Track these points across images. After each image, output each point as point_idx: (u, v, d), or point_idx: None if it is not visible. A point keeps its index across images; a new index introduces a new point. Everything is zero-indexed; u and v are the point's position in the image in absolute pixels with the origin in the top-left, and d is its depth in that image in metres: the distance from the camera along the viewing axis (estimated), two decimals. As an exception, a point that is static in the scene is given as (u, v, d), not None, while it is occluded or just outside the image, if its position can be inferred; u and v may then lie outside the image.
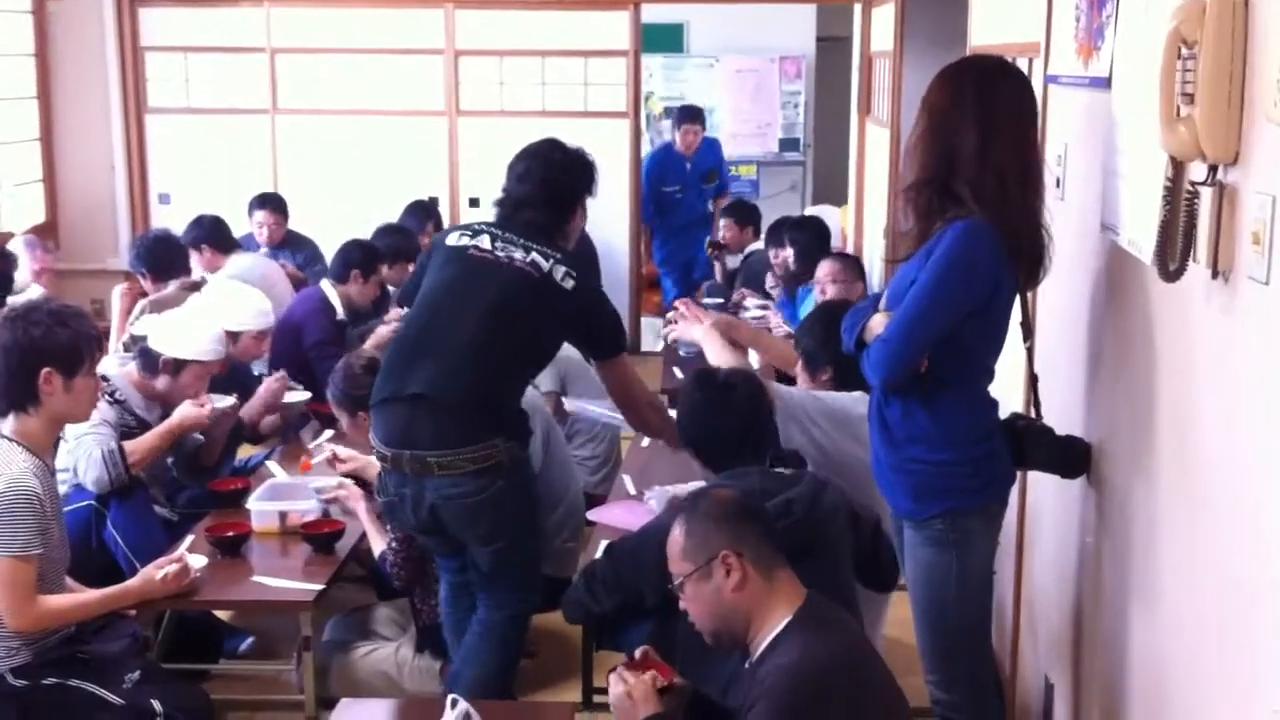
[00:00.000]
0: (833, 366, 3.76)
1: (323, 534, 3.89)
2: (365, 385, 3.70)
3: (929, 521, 2.82)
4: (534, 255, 3.43)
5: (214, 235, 6.45)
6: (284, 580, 3.66)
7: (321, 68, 8.06)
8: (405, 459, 3.30)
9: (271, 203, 7.06)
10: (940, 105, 2.73)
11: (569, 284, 3.43)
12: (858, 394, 3.44)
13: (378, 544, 3.78)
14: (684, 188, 8.69)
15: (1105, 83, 2.80)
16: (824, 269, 5.61)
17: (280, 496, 4.09)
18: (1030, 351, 2.95)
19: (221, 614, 4.12)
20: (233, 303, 4.85)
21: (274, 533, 3.97)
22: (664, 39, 10.40)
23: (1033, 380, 2.99)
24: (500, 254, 3.42)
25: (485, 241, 3.46)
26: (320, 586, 3.63)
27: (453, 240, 3.51)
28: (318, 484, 4.07)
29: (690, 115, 8.75)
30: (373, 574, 4.25)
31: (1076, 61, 3.08)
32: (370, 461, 3.71)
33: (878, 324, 2.77)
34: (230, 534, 3.84)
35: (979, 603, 2.88)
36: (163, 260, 5.77)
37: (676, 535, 2.57)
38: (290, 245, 7.07)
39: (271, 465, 4.53)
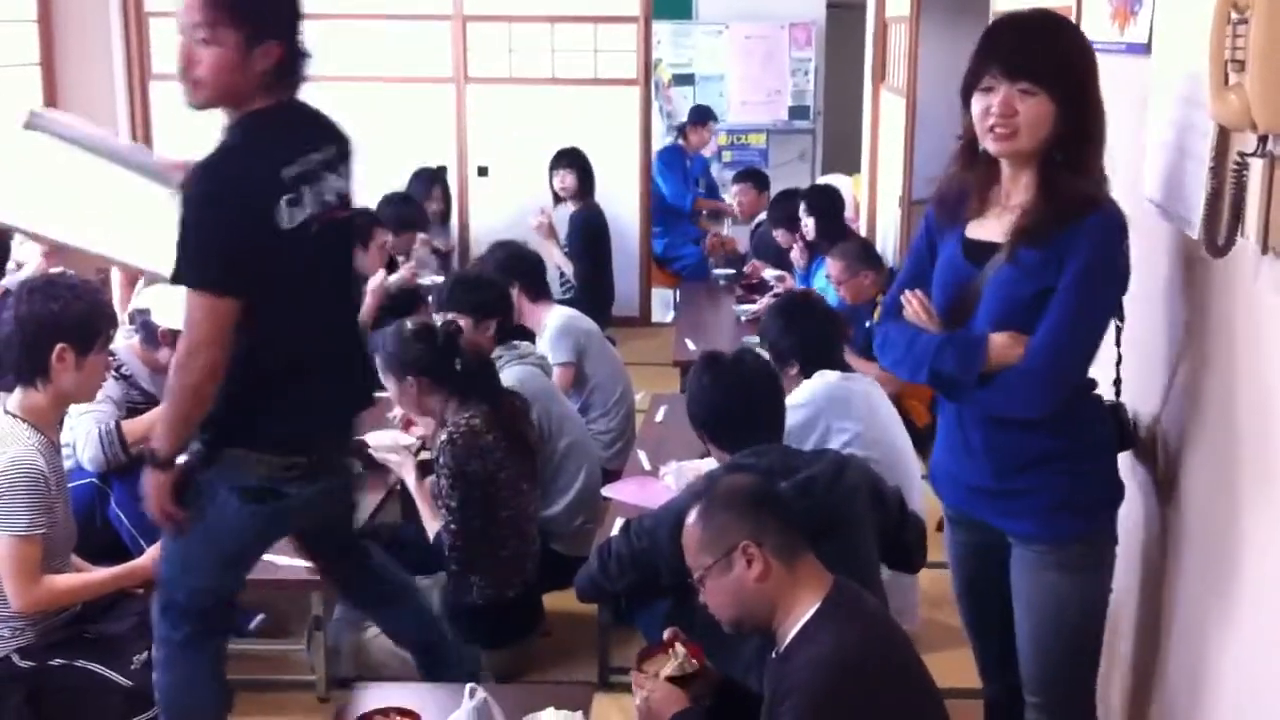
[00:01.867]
0: (799, 360, 3.84)
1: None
2: (414, 350, 3.70)
3: (1063, 545, 2.53)
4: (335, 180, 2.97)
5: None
6: (288, 558, 3.59)
7: (327, 34, 7.93)
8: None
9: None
10: (1082, 64, 2.38)
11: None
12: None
13: (431, 523, 3.73)
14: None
15: (1144, 48, 2.71)
16: (830, 268, 5.53)
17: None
18: (1119, 330, 2.62)
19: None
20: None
21: (283, 508, 3.89)
22: (673, 5, 10.28)
23: (1118, 359, 2.70)
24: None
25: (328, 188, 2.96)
26: (329, 565, 3.56)
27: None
28: (375, 441, 4.01)
29: (707, 116, 8.94)
30: (388, 552, 4.20)
31: (1112, 27, 2.99)
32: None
33: (1005, 349, 2.40)
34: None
35: (1100, 626, 2.64)
36: None
37: (693, 527, 2.49)
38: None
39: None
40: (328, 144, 2.91)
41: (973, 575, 2.75)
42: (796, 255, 6.64)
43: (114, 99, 7.88)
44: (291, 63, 2.80)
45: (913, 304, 2.56)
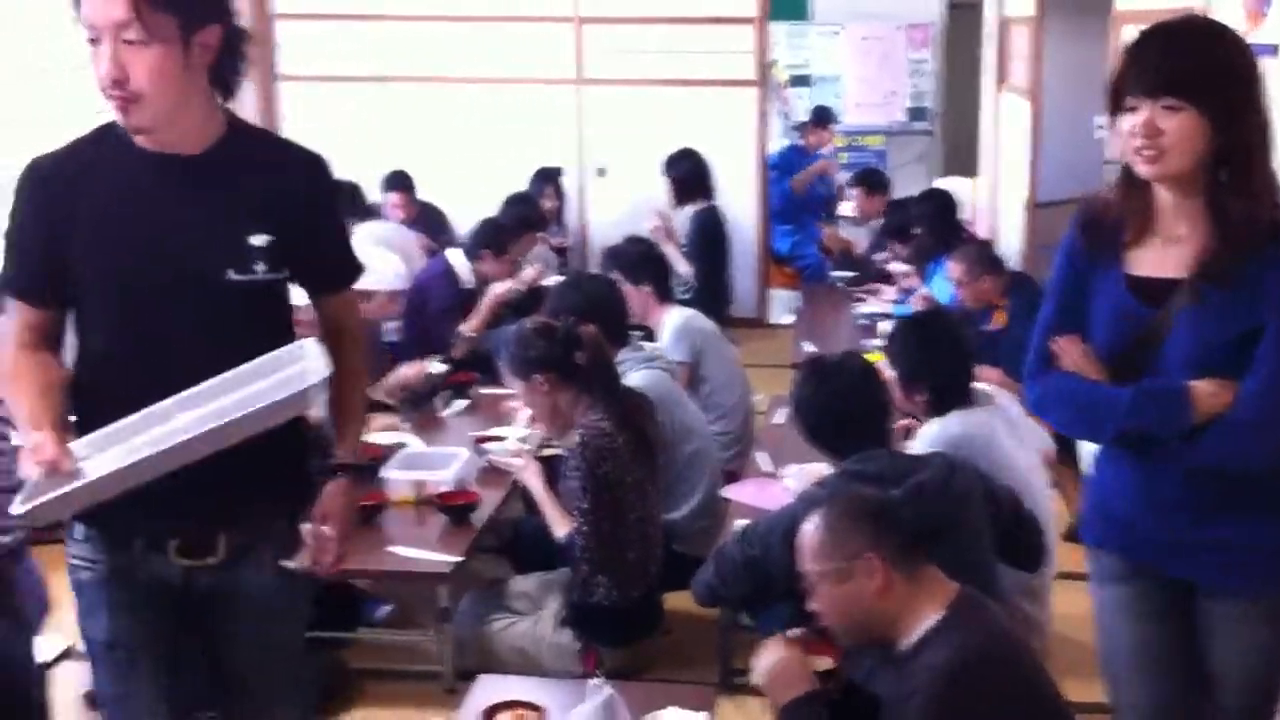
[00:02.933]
0: (929, 387, 3.59)
1: (458, 505, 3.90)
2: (538, 347, 3.74)
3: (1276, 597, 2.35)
4: None
5: (349, 201, 6.53)
6: (420, 551, 3.68)
7: (449, 36, 8.07)
8: None
9: (400, 183, 7.13)
10: (1235, 72, 2.20)
11: None
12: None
13: (560, 525, 3.76)
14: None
15: (1272, 50, 2.65)
16: (951, 270, 5.47)
17: (416, 466, 4.11)
18: None
19: (359, 581, 4.15)
20: (366, 262, 4.87)
21: (409, 502, 3.98)
22: (789, 6, 10.24)
23: None
24: None
25: None
26: (458, 558, 3.64)
27: None
28: (498, 448, 4.08)
29: (827, 117, 9.12)
30: (508, 547, 4.28)
31: (1243, 26, 2.93)
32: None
33: (1211, 398, 2.21)
34: (367, 502, 3.86)
35: None
36: None
37: (812, 532, 2.50)
38: (420, 220, 7.14)
39: (406, 435, 4.54)
40: None
41: (1148, 639, 2.44)
42: (899, 268, 6.61)
43: (242, 100, 8.05)
44: (233, 50, 2.26)
45: (1071, 353, 2.34)
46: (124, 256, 2.20)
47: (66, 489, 2.00)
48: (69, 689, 3.49)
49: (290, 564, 2.33)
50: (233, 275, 2.21)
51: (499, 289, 5.62)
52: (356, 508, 2.49)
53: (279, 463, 2.32)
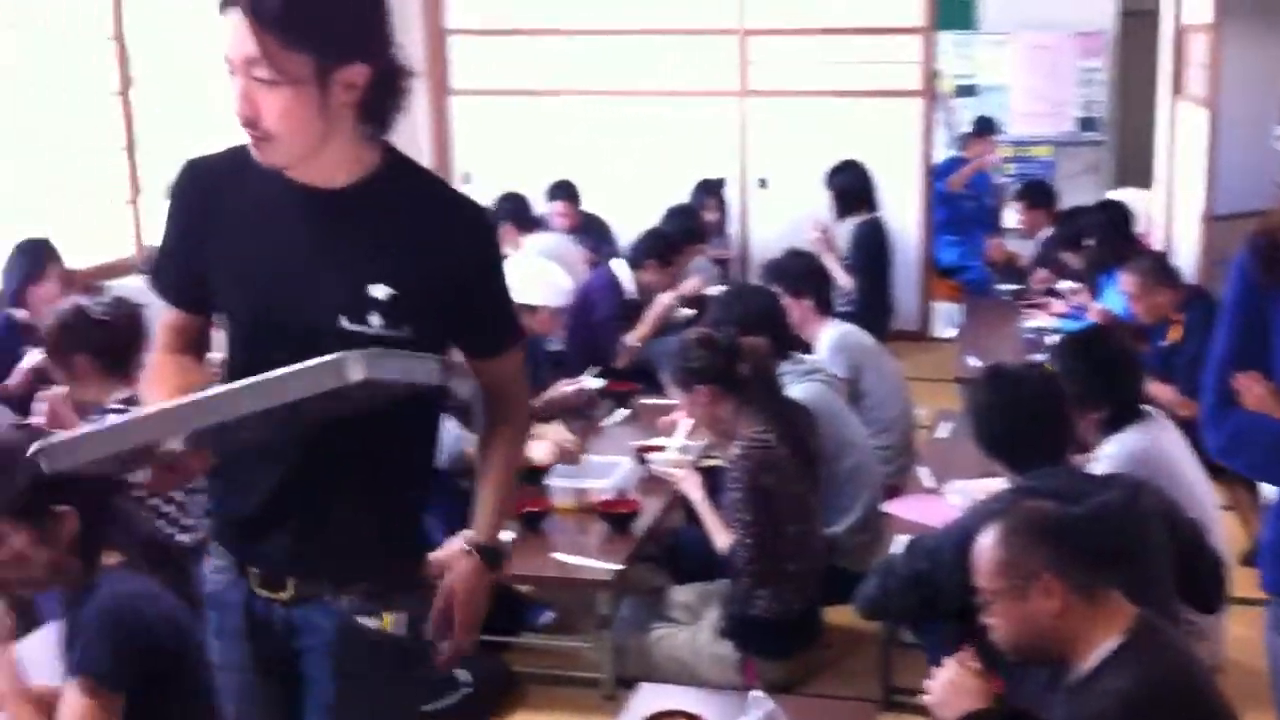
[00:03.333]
0: (1108, 404, 3.48)
1: (620, 514, 3.93)
2: (700, 358, 3.75)
3: None
4: None
5: (516, 213, 6.66)
6: (582, 558, 3.72)
7: (614, 49, 8.16)
8: None
9: (565, 192, 7.24)
10: None
11: None
12: None
13: (720, 537, 3.77)
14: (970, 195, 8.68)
15: None
16: (1125, 283, 5.32)
17: (578, 474, 4.16)
18: None
19: (522, 586, 4.22)
20: (531, 277, 4.96)
21: (572, 509, 4.04)
22: (956, 15, 10.08)
23: None
24: None
25: None
26: (619, 566, 3.68)
27: None
28: (659, 458, 4.12)
29: (990, 127, 9.03)
30: (668, 556, 4.30)
31: None
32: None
33: None
34: (532, 509, 3.93)
35: None
36: None
37: (989, 547, 2.45)
38: (584, 229, 7.23)
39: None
40: None
41: None
42: (1065, 285, 6.45)
43: (415, 113, 8.28)
44: (387, 87, 2.02)
45: (1253, 390, 2.15)
46: (247, 280, 2.07)
47: (82, 431, 1.96)
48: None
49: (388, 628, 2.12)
50: (345, 324, 1.99)
51: (666, 299, 5.68)
52: (486, 593, 2.20)
53: (374, 523, 2.11)
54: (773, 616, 3.71)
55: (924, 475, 4.22)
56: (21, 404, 4.59)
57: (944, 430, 4.65)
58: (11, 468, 2.29)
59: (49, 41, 5.77)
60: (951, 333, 7.60)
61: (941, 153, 8.91)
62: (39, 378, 4.39)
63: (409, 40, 7.97)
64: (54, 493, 2.31)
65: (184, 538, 3.61)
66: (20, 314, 4.96)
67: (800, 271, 5.01)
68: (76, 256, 5.59)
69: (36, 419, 4.09)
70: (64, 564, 2.35)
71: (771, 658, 3.74)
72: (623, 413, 5.01)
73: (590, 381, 5.01)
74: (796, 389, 4.17)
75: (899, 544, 3.39)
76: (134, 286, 5.66)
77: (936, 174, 8.31)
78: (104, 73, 6.21)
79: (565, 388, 4.87)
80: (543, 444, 4.13)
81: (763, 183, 8.11)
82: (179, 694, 2.31)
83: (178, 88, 6.69)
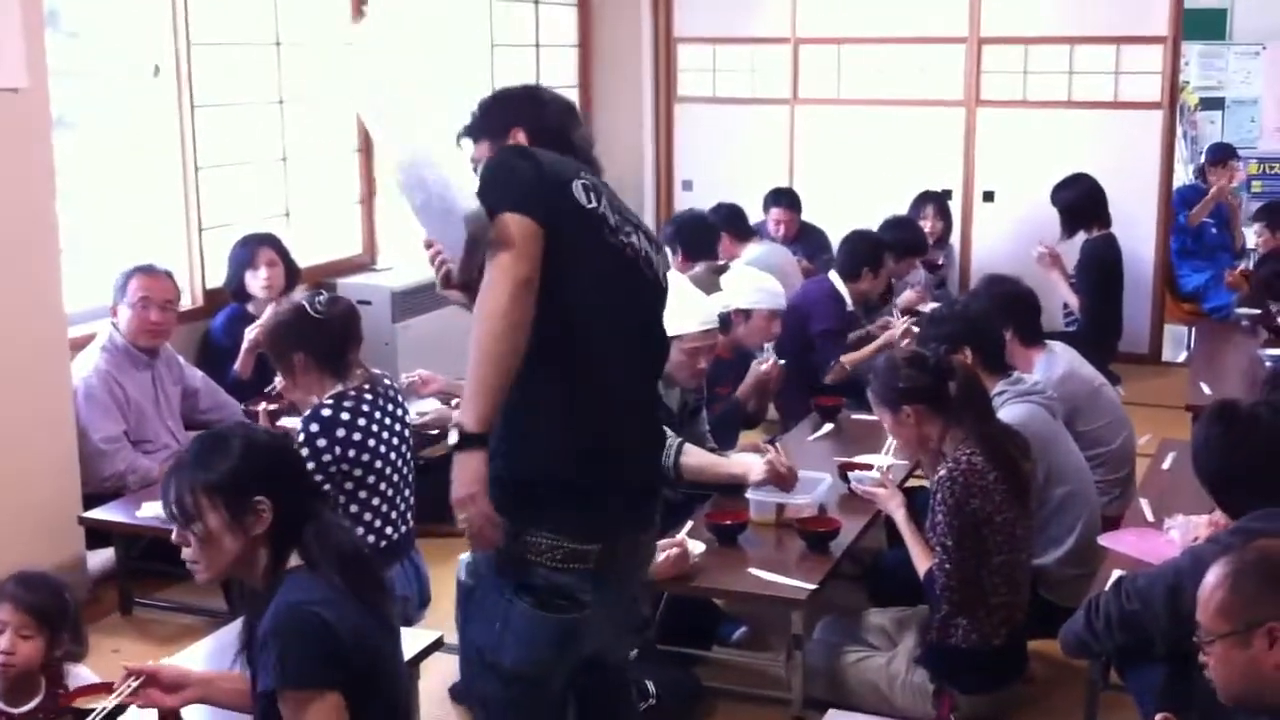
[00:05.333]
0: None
1: (819, 531, 3.86)
2: (907, 376, 3.66)
3: None
4: (642, 243, 2.58)
5: (733, 223, 6.65)
6: (778, 575, 3.66)
7: (842, 58, 8.06)
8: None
9: (785, 199, 7.19)
10: None
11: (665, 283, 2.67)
12: None
13: (922, 561, 3.67)
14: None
15: None
16: None
17: (779, 489, 4.10)
18: None
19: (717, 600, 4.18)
20: (745, 282, 4.94)
21: (770, 524, 3.98)
22: (1206, 24, 9.64)
23: None
24: (628, 244, 2.54)
25: (609, 213, 2.50)
26: (814, 586, 3.60)
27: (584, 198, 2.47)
28: (862, 476, 4.05)
29: (1228, 154, 8.54)
30: (867, 577, 4.21)
31: None
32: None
33: None
34: (729, 522, 3.89)
35: None
36: (695, 241, 5.97)
37: (1214, 586, 2.32)
38: (802, 238, 7.17)
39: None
40: (638, 224, 2.66)
41: None
42: None
43: (641, 120, 8.34)
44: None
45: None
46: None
47: None
48: (438, 680, 3.68)
49: None
50: None
51: (896, 330, 5.61)
52: (460, 471, 2.29)
53: None
54: (973, 648, 3.58)
55: (1145, 507, 4.01)
56: (248, 388, 4.85)
57: (1169, 461, 4.42)
58: (224, 450, 2.39)
59: (295, 50, 6.03)
60: (1182, 356, 7.23)
61: (1181, 170, 8.50)
62: (262, 359, 4.62)
63: (639, 48, 8.13)
64: (256, 484, 2.38)
65: (389, 531, 3.73)
66: (250, 306, 5.20)
67: (1003, 299, 4.68)
68: (309, 253, 5.82)
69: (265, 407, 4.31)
70: (251, 556, 2.40)
71: (970, 691, 3.61)
72: (828, 427, 4.93)
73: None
74: (1010, 410, 4.01)
75: (1114, 579, 3.24)
76: (361, 284, 5.88)
77: (1176, 201, 7.91)
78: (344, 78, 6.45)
79: (763, 367, 4.86)
80: (756, 463, 4.04)
81: (988, 195, 7.89)
82: (360, 698, 2.32)
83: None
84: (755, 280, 4.99)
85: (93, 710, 2.53)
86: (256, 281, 5.14)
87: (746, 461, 4.08)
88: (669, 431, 3.84)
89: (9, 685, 2.84)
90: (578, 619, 2.47)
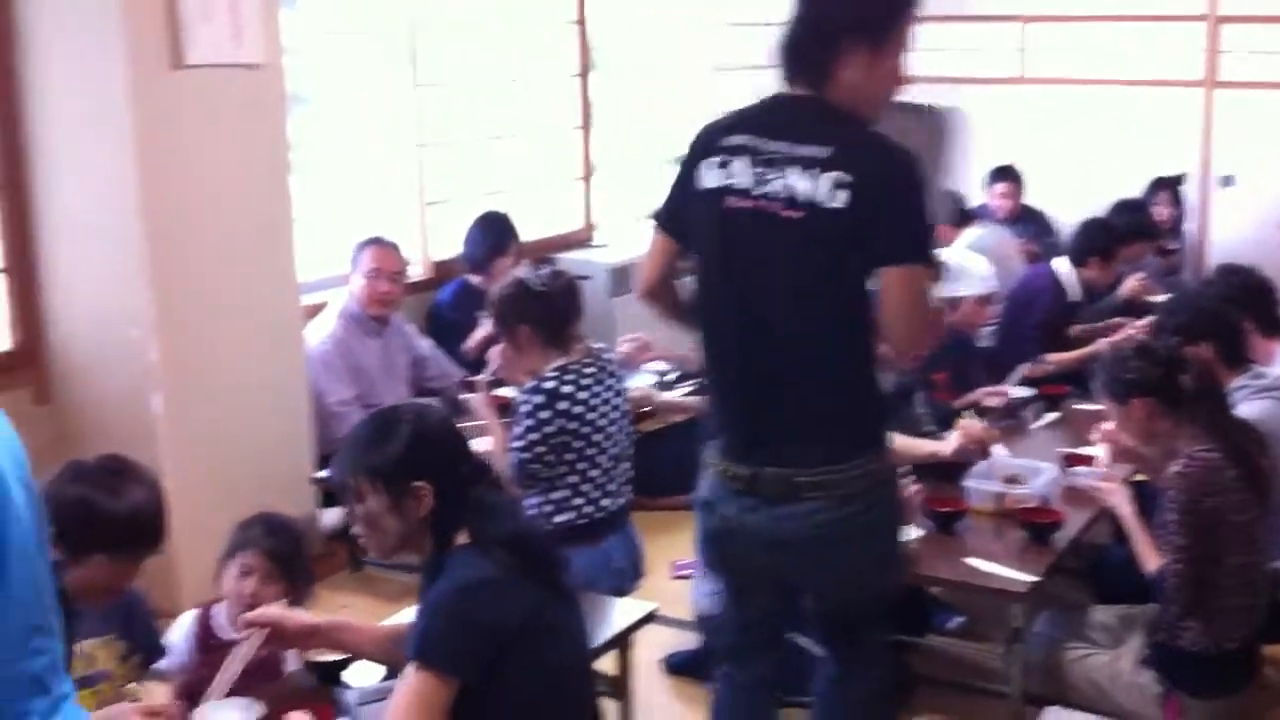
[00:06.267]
0: None
1: (1041, 523, 3.76)
2: (1136, 369, 3.51)
3: None
4: (792, 179, 2.58)
5: (950, 209, 6.53)
6: (997, 565, 3.58)
7: (1073, 36, 7.80)
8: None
9: (1007, 174, 7.01)
10: None
11: (840, 200, 2.53)
12: None
13: (1150, 559, 3.52)
14: None
15: None
16: None
17: (999, 476, 4.01)
18: None
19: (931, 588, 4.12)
20: (953, 270, 4.83)
21: (989, 513, 3.90)
22: None
23: None
24: (760, 196, 2.60)
25: (742, 175, 2.63)
26: (1035, 578, 3.51)
27: (709, 179, 2.67)
28: (1086, 470, 3.93)
29: None
30: (1091, 573, 4.08)
31: None
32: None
33: None
34: (945, 508, 3.83)
35: None
36: None
37: None
38: (1024, 220, 6.98)
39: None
40: (816, 145, 2.57)
41: None
42: None
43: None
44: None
45: None
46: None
47: None
48: (652, 651, 3.72)
49: None
50: None
51: (1104, 344, 5.33)
52: None
53: None
54: (1203, 651, 3.43)
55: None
56: (476, 366, 4.96)
57: None
58: (392, 435, 2.43)
59: (516, 27, 6.14)
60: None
61: None
62: (490, 343, 4.70)
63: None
64: (418, 470, 2.41)
65: (606, 503, 3.78)
66: (475, 279, 5.32)
67: (1238, 288, 4.42)
68: (531, 228, 5.94)
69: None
70: (413, 537, 2.44)
71: (1198, 695, 3.46)
72: (1051, 416, 4.79)
73: (1017, 390, 4.81)
74: (1249, 407, 3.83)
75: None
76: (580, 259, 5.97)
77: None
78: (566, 56, 6.56)
79: (990, 400, 4.68)
80: (952, 435, 3.97)
81: (1227, 180, 7.52)
82: (519, 682, 2.33)
83: (633, 70, 6.98)
84: (961, 265, 4.87)
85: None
86: (503, 265, 5.23)
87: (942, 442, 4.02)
88: None
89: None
90: None
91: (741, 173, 2.61)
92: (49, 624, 1.32)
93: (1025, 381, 5.06)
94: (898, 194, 2.56)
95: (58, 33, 4.14)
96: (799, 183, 2.55)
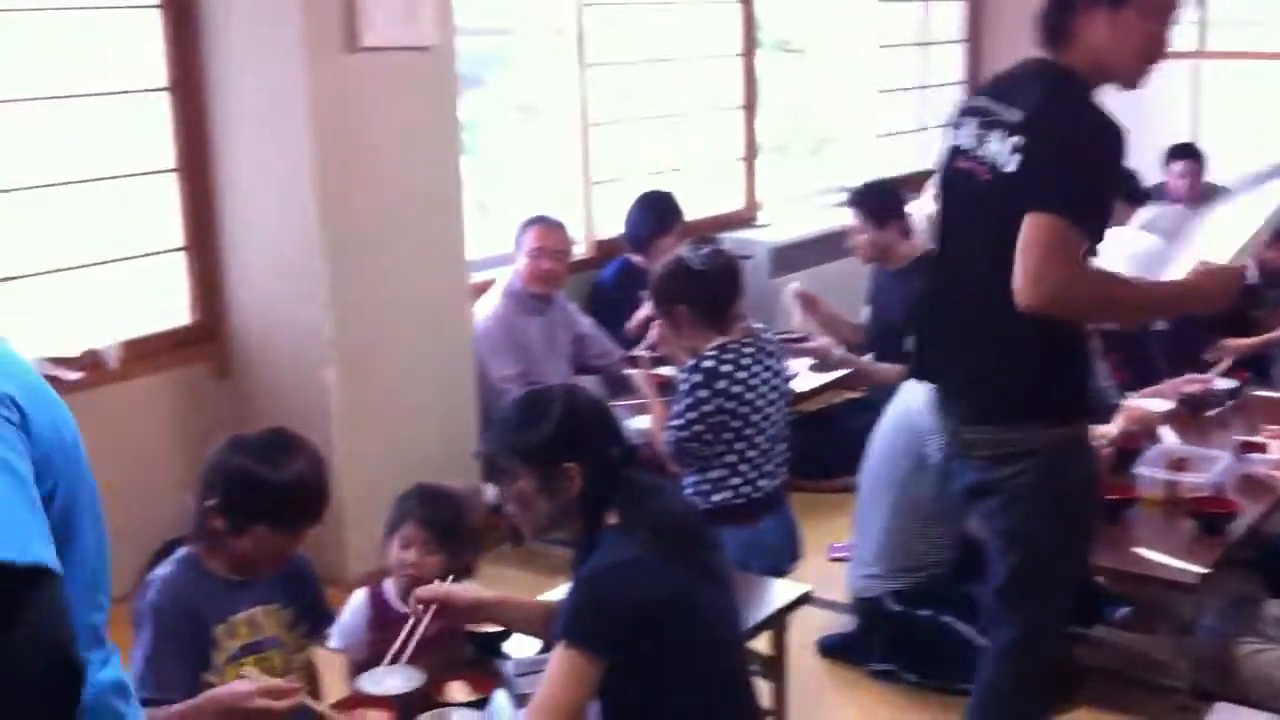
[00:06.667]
0: None
1: (1214, 513, 3.64)
2: None
3: None
4: (994, 142, 2.67)
5: (1124, 186, 6.30)
6: (1167, 556, 3.48)
7: (1259, 5, 7.47)
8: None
9: (1186, 152, 6.76)
10: None
11: (1013, 164, 2.60)
12: None
13: None
14: None
15: None
16: None
17: (1171, 465, 3.89)
18: None
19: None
20: (1111, 250, 4.65)
21: (1160, 502, 3.78)
22: None
23: None
24: (975, 158, 2.73)
25: (968, 136, 2.77)
26: (1206, 570, 3.40)
27: (950, 138, 2.87)
28: (1262, 458, 3.80)
29: None
30: (1266, 565, 3.94)
31: None
32: None
33: None
34: (1115, 496, 3.72)
35: None
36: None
37: None
38: (1205, 199, 6.71)
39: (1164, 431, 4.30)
40: (1018, 109, 2.63)
41: None
42: None
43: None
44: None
45: None
46: None
47: None
48: (806, 633, 3.71)
49: None
50: None
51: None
52: None
53: None
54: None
55: None
56: (637, 344, 5.00)
57: None
58: (542, 416, 2.44)
59: (682, 7, 6.15)
60: None
61: None
62: (651, 323, 4.73)
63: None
64: (567, 450, 2.42)
65: (763, 483, 3.77)
66: (637, 259, 5.36)
67: None
68: (695, 208, 5.95)
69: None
70: (563, 517, 2.45)
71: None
72: (1229, 403, 4.62)
73: (1221, 381, 4.64)
74: None
75: None
76: (743, 239, 5.96)
77: None
78: (730, 36, 6.54)
79: (1189, 388, 4.52)
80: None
81: None
82: (668, 661, 2.33)
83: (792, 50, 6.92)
84: (1119, 243, 4.68)
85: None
86: (665, 245, 5.25)
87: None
88: None
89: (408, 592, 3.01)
90: None
91: (968, 134, 2.74)
92: (107, 583, 1.44)
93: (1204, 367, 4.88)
94: (1055, 150, 2.56)
95: (237, 17, 4.29)
96: (995, 145, 2.64)
